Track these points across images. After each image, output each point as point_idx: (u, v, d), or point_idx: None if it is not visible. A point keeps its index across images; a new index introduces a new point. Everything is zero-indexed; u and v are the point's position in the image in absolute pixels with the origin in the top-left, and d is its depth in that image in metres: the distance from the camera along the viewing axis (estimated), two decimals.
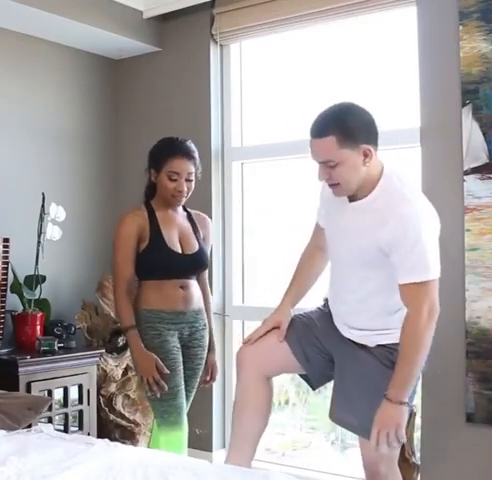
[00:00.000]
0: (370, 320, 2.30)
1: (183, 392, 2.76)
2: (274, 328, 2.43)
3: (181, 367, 2.78)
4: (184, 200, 2.83)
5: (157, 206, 2.83)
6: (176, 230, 2.84)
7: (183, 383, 2.77)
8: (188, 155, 2.79)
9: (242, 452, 2.39)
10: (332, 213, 2.35)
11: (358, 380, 2.29)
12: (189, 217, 2.93)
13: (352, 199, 2.24)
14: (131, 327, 2.74)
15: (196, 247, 2.85)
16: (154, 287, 2.78)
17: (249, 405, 2.40)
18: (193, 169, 2.80)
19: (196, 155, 2.82)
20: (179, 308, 2.79)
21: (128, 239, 2.75)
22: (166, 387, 2.69)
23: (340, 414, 2.35)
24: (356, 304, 2.30)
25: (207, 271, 2.98)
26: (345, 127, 2.10)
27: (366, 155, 2.13)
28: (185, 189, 2.78)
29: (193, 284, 2.86)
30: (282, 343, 2.42)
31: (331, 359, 2.40)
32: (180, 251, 2.80)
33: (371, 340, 2.30)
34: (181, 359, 2.79)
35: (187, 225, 2.89)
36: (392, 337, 2.27)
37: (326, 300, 2.49)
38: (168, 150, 2.80)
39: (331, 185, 2.20)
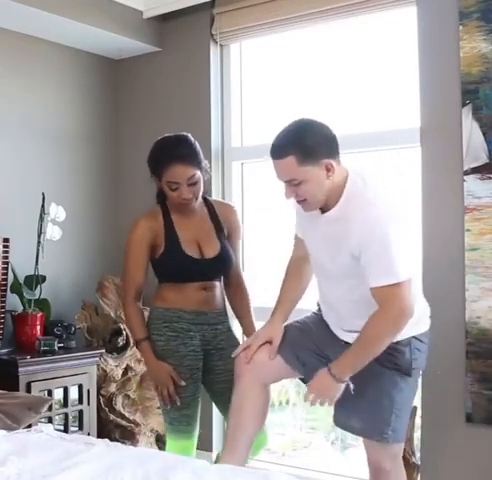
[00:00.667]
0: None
1: (198, 401, 2.64)
2: (266, 342, 2.43)
3: (199, 374, 2.64)
4: (195, 203, 2.62)
5: (172, 207, 2.66)
6: (194, 232, 2.65)
7: (200, 391, 2.65)
8: (184, 160, 2.54)
9: (237, 454, 2.41)
10: (308, 226, 2.36)
11: (359, 384, 2.29)
12: (211, 210, 2.71)
13: (324, 210, 2.24)
14: (143, 339, 2.63)
15: (217, 249, 2.65)
16: (174, 288, 2.65)
17: (246, 408, 2.43)
18: (194, 171, 2.55)
19: (196, 152, 2.59)
20: (201, 308, 2.64)
21: (140, 245, 2.61)
22: (178, 402, 2.58)
23: (344, 418, 2.37)
24: (349, 311, 2.29)
25: (239, 266, 2.80)
26: (304, 145, 2.12)
27: (328, 169, 2.15)
28: (189, 196, 2.56)
29: (216, 285, 2.70)
30: (278, 357, 2.43)
31: (330, 362, 2.41)
32: (199, 256, 2.62)
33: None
34: (200, 365, 2.64)
35: (207, 223, 2.69)
36: None
37: (319, 305, 2.50)
38: (161, 158, 2.58)
39: (299, 202, 2.22)
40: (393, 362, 2.26)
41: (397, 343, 2.26)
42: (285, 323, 2.49)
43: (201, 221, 2.69)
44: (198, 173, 2.58)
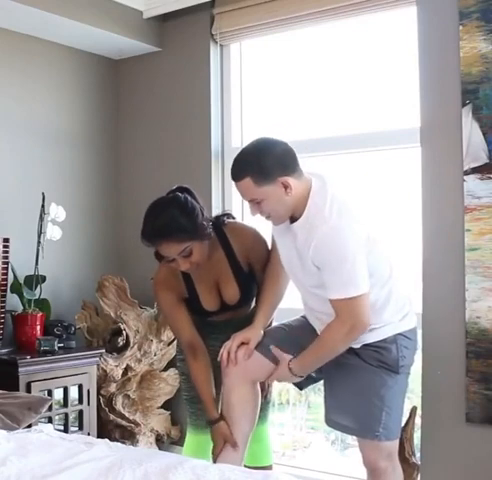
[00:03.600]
0: None
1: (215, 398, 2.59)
2: (243, 343, 2.46)
3: (217, 372, 2.57)
4: (200, 265, 2.43)
5: None
6: (213, 277, 2.54)
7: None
8: (169, 238, 2.33)
9: (232, 453, 2.42)
10: (280, 235, 2.39)
11: (348, 383, 2.32)
12: (225, 247, 2.54)
13: (292, 220, 2.29)
14: (215, 421, 2.48)
15: (237, 295, 2.56)
16: None
17: (235, 408, 2.45)
18: (183, 246, 2.34)
19: (184, 224, 2.34)
20: (228, 318, 2.62)
21: (175, 308, 2.54)
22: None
23: (336, 418, 2.39)
24: (330, 318, 2.30)
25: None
26: (258, 167, 2.20)
27: (285, 187, 2.20)
28: (186, 266, 2.40)
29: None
30: (260, 356, 2.45)
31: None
32: (219, 306, 2.56)
33: (355, 341, 2.31)
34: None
35: (225, 265, 2.54)
36: (376, 335, 2.29)
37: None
38: (148, 235, 2.38)
39: (265, 218, 2.31)
40: (380, 360, 2.28)
41: (383, 341, 2.29)
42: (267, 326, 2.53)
43: (218, 263, 2.54)
44: (189, 244, 2.36)
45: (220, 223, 2.59)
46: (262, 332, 2.48)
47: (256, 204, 2.25)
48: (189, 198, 2.43)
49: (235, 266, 2.56)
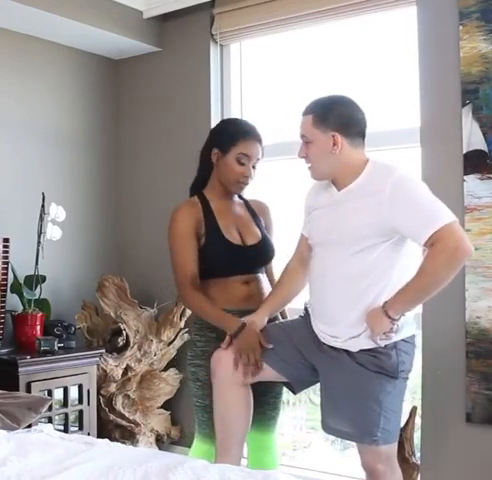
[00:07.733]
0: (357, 320, 2.25)
1: None
2: None
3: None
4: (246, 188, 2.64)
5: (211, 196, 2.61)
6: (234, 220, 2.62)
7: None
8: (260, 140, 2.60)
9: (230, 456, 2.39)
10: (320, 213, 2.38)
11: (345, 389, 2.28)
12: (247, 205, 2.72)
13: (341, 188, 2.31)
14: (242, 327, 2.40)
15: (259, 236, 2.63)
16: (217, 285, 2.54)
17: (229, 409, 2.42)
18: (261, 156, 2.61)
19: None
20: (243, 306, 2.51)
21: (187, 235, 2.52)
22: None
23: (334, 425, 2.34)
24: (351, 298, 2.26)
25: (273, 262, 2.72)
26: (321, 111, 2.30)
27: (334, 143, 2.26)
28: (253, 175, 2.59)
29: (260, 279, 2.61)
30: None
31: (312, 367, 2.40)
32: (241, 243, 2.58)
33: (355, 343, 2.27)
34: None
35: (246, 214, 2.68)
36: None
37: (306, 309, 2.48)
38: (240, 131, 2.59)
39: (308, 168, 2.36)
40: (379, 366, 2.24)
41: (383, 346, 2.25)
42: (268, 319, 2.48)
43: (240, 210, 2.69)
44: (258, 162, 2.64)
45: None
46: (265, 320, 2.44)
47: (305, 144, 2.32)
48: None
49: (255, 216, 2.69)
